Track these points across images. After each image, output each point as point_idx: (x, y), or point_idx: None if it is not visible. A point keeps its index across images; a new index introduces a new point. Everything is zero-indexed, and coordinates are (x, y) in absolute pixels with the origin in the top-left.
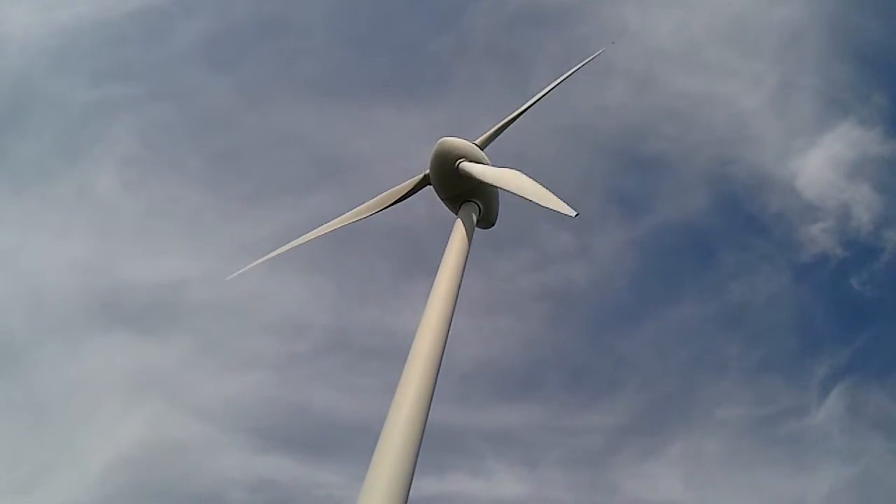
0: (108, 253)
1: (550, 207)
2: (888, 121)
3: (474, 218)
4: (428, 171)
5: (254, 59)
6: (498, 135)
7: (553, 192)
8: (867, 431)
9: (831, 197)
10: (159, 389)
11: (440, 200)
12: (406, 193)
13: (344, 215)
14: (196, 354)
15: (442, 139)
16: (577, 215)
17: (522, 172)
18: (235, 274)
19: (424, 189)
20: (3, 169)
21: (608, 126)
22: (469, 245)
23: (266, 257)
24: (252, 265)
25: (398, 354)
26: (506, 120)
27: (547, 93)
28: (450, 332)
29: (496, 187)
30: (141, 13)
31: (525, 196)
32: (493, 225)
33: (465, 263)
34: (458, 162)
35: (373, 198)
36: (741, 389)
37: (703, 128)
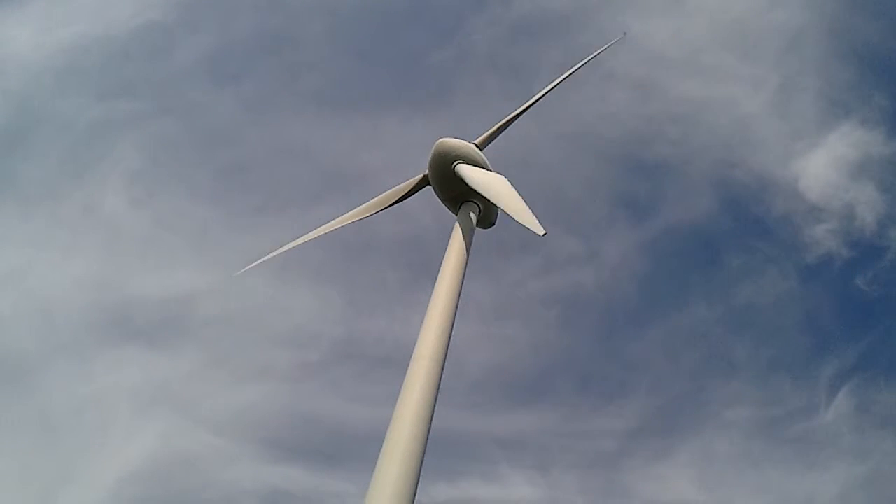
0: (117, 269)
1: (521, 223)
2: (890, 121)
3: (474, 218)
4: (427, 172)
5: (257, 74)
6: (497, 135)
7: (530, 208)
8: (876, 430)
9: (835, 198)
10: (171, 402)
11: (440, 201)
12: (406, 194)
13: (345, 215)
14: (206, 367)
15: (440, 140)
16: (544, 234)
17: (509, 181)
18: (243, 270)
19: (426, 191)
20: (11, 188)
21: (612, 131)
22: (469, 245)
23: (272, 254)
24: (259, 261)
25: (407, 362)
26: (504, 120)
27: (545, 93)
28: (460, 339)
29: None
30: (144, 30)
31: (501, 207)
32: (493, 224)
33: (466, 263)
34: (454, 164)
35: (373, 198)
36: (750, 390)
37: (706, 132)
